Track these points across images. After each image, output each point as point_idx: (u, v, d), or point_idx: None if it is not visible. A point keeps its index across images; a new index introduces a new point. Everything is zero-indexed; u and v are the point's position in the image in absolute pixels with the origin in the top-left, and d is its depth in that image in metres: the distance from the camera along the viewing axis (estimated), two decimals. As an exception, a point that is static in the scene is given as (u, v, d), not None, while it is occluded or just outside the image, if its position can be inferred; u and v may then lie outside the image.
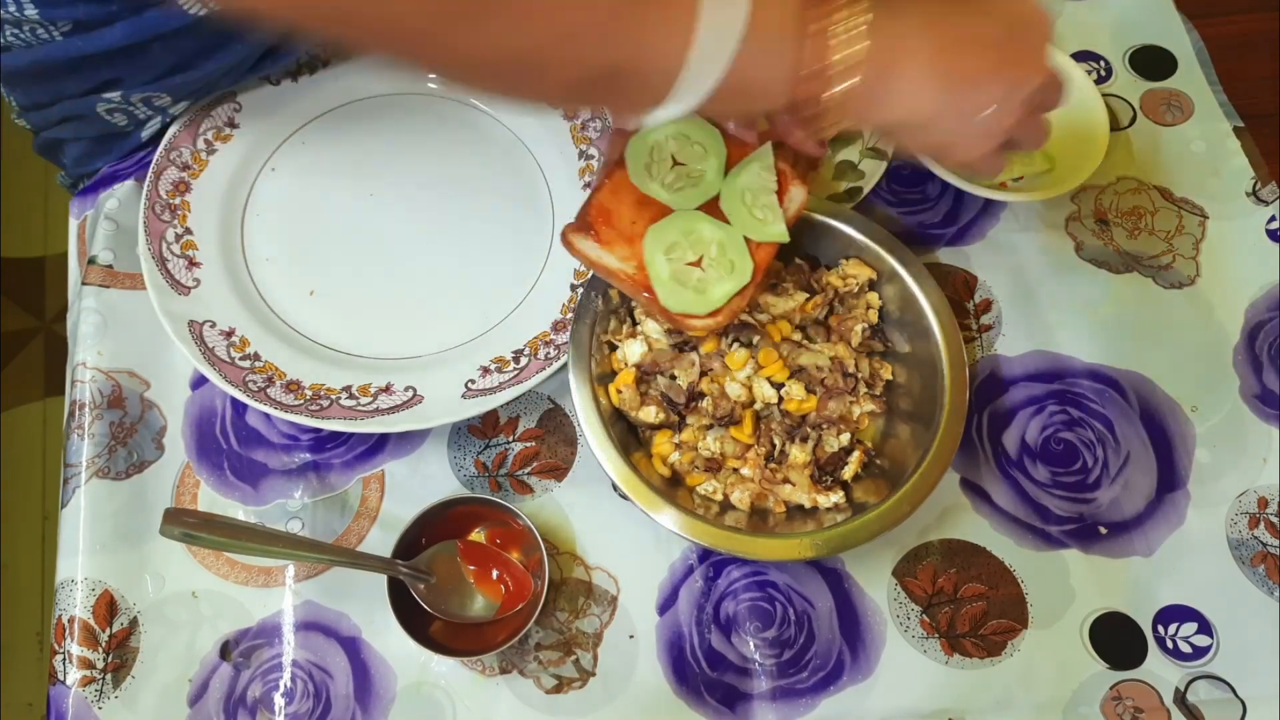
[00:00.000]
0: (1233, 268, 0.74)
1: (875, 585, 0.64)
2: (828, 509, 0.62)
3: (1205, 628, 0.63)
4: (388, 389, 0.66)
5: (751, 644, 0.62)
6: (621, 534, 0.64)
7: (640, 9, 0.44)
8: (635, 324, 0.66)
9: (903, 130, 0.54)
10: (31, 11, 0.62)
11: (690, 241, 0.60)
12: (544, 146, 0.76)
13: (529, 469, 0.67)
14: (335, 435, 0.67)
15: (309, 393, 0.65)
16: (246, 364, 0.66)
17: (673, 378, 0.64)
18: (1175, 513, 0.66)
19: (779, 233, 0.61)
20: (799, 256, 0.69)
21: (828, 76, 0.48)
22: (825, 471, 0.64)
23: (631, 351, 0.65)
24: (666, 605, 0.63)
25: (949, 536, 0.65)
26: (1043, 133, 0.57)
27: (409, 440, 0.67)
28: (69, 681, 0.61)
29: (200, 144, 0.74)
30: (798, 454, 0.63)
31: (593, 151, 0.74)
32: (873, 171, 0.73)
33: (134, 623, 0.62)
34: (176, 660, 0.62)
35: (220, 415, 0.68)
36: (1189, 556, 0.65)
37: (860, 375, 0.65)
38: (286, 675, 0.61)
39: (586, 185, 0.73)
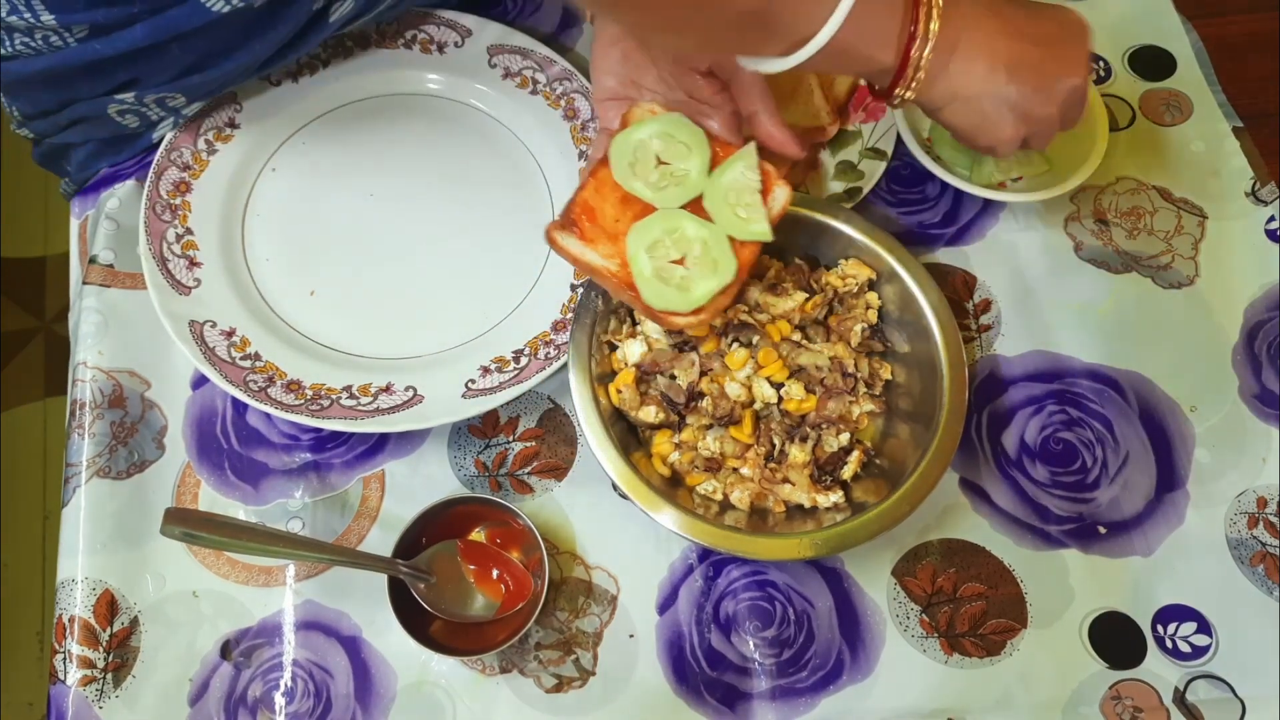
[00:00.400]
0: (1232, 268, 0.74)
1: (875, 585, 0.64)
2: (827, 509, 0.62)
3: (1204, 627, 0.63)
4: (388, 389, 0.66)
5: (751, 643, 0.62)
6: (621, 534, 0.65)
7: None
8: (635, 324, 0.66)
9: (948, 105, 0.59)
10: (47, 18, 0.61)
11: (673, 240, 0.60)
12: (544, 147, 0.76)
13: (529, 469, 0.67)
14: (335, 435, 0.67)
15: (309, 393, 0.65)
16: (247, 364, 0.66)
17: (672, 378, 0.64)
18: (1175, 512, 0.66)
19: (762, 231, 0.61)
20: (799, 256, 0.69)
21: (925, 40, 0.54)
22: (825, 471, 0.64)
23: (631, 351, 0.65)
24: (666, 605, 0.63)
25: (948, 536, 0.65)
26: (1052, 135, 0.62)
27: (409, 440, 0.67)
28: (69, 681, 0.61)
29: (201, 144, 0.74)
30: (797, 454, 0.63)
31: (593, 152, 0.75)
32: (872, 171, 0.73)
33: (134, 622, 0.63)
34: (177, 660, 0.62)
35: (221, 415, 0.68)
36: (1188, 556, 0.65)
37: (860, 375, 0.65)
38: (287, 675, 0.61)
39: (586, 185, 0.73)
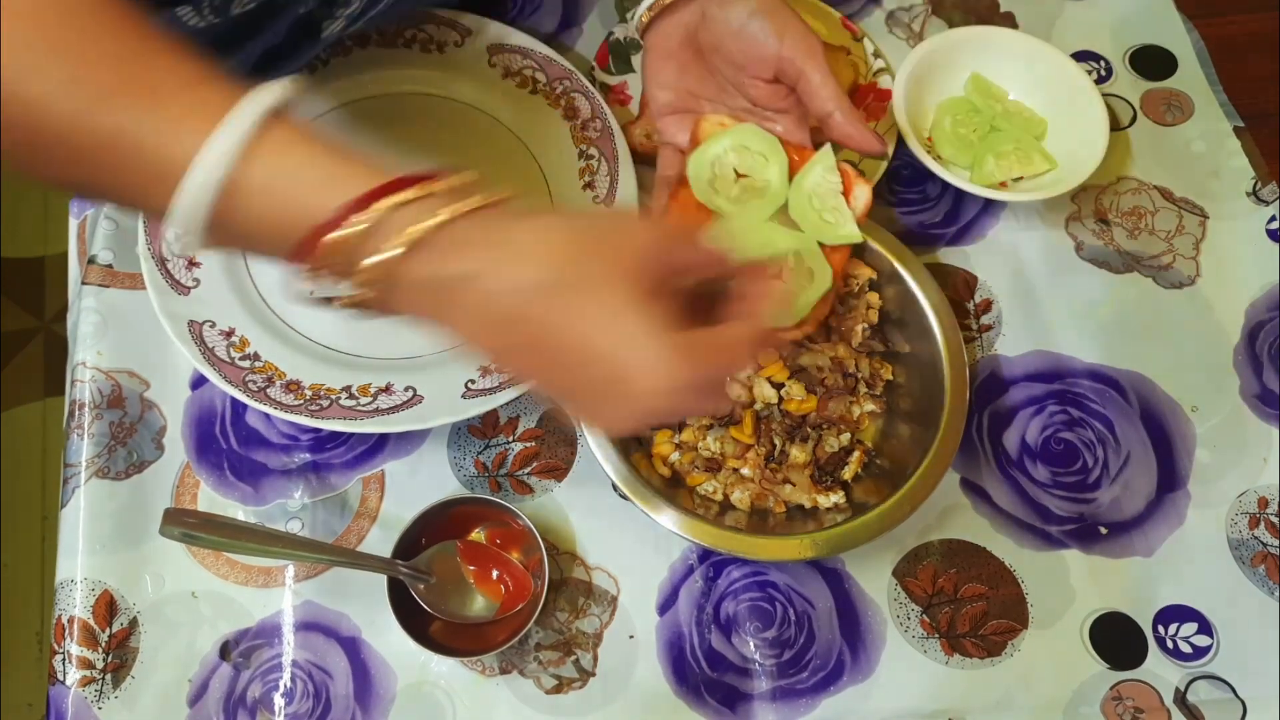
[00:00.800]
0: (1233, 268, 0.74)
1: (875, 585, 0.64)
2: (828, 509, 0.62)
3: (1205, 628, 0.63)
4: (388, 389, 0.66)
5: (751, 644, 0.62)
6: (621, 534, 0.64)
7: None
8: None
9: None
10: None
11: (767, 255, 0.59)
12: (544, 147, 0.76)
13: (529, 469, 0.67)
14: (335, 435, 0.67)
15: (309, 393, 0.65)
16: (246, 364, 0.66)
17: (673, 378, 0.64)
18: (1175, 513, 0.66)
19: (851, 233, 0.60)
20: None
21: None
22: (825, 472, 0.64)
23: (632, 351, 0.64)
24: (666, 605, 0.63)
25: (949, 536, 0.65)
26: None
27: (409, 440, 0.67)
28: (69, 681, 0.61)
29: (200, 144, 0.73)
30: (798, 454, 0.63)
31: (593, 152, 0.74)
32: (873, 171, 0.73)
33: (134, 623, 0.62)
34: (176, 660, 0.62)
35: (220, 415, 0.68)
36: (1189, 557, 0.65)
37: (860, 375, 0.65)
38: (286, 675, 0.61)
39: (586, 185, 0.73)
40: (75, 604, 0.62)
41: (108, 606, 0.63)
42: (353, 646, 0.62)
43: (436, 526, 0.61)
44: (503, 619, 0.60)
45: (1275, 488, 0.67)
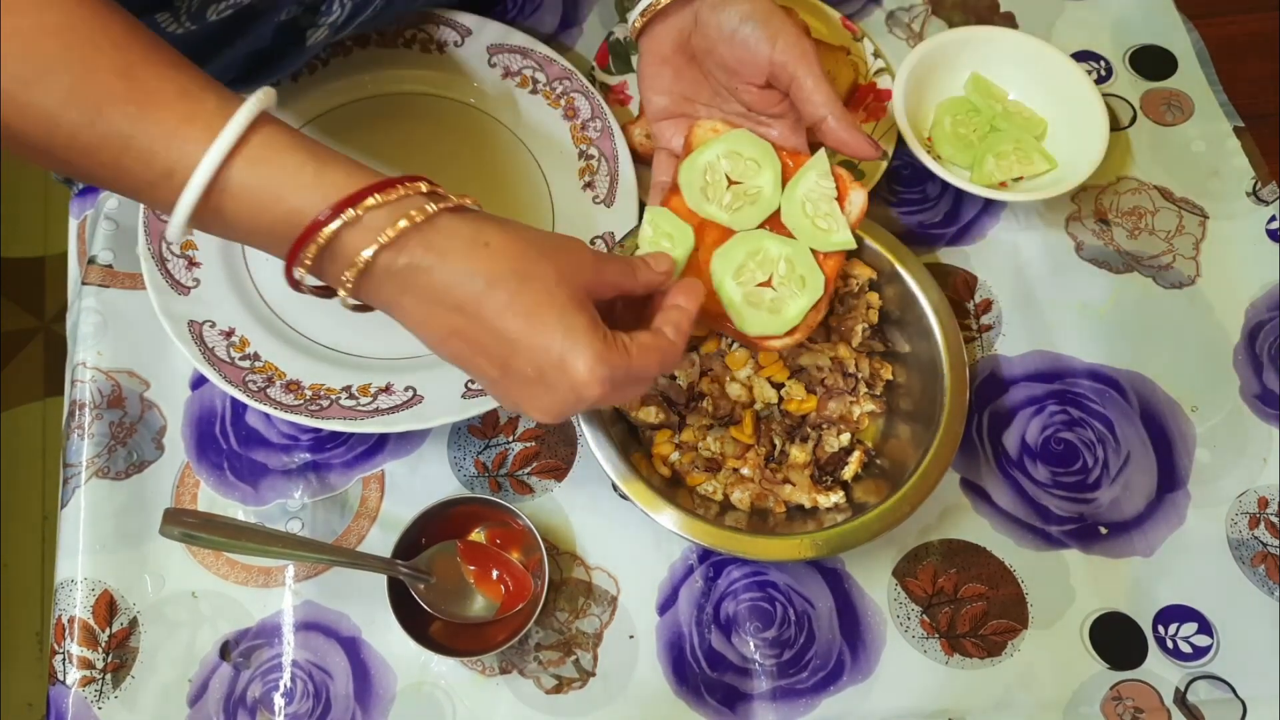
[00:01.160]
0: (1233, 268, 0.74)
1: (875, 585, 0.64)
2: (828, 509, 0.62)
3: (1205, 628, 0.63)
4: (388, 389, 0.66)
5: (751, 644, 0.62)
6: (621, 534, 0.64)
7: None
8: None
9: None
10: None
11: (758, 262, 0.59)
12: (544, 147, 0.76)
13: (529, 469, 0.67)
14: (335, 435, 0.67)
15: (309, 393, 0.65)
16: (246, 364, 0.66)
17: (673, 378, 0.64)
18: (1175, 513, 0.66)
19: (845, 241, 0.60)
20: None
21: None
22: (825, 472, 0.64)
23: (631, 351, 0.64)
24: (666, 605, 0.63)
25: (949, 536, 0.65)
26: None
27: (409, 440, 0.67)
28: (69, 681, 0.61)
29: (200, 144, 0.73)
30: (798, 454, 0.63)
31: (593, 151, 0.74)
32: (873, 171, 0.73)
33: (134, 623, 0.62)
34: (176, 660, 0.62)
35: (220, 415, 0.68)
36: (1189, 557, 0.65)
37: (860, 375, 0.65)
38: (286, 675, 0.61)
39: (586, 185, 0.73)
40: (75, 604, 0.62)
41: (108, 606, 0.63)
42: (353, 646, 0.62)
43: (436, 526, 0.61)
44: (503, 619, 0.60)
45: (1275, 488, 0.67)
